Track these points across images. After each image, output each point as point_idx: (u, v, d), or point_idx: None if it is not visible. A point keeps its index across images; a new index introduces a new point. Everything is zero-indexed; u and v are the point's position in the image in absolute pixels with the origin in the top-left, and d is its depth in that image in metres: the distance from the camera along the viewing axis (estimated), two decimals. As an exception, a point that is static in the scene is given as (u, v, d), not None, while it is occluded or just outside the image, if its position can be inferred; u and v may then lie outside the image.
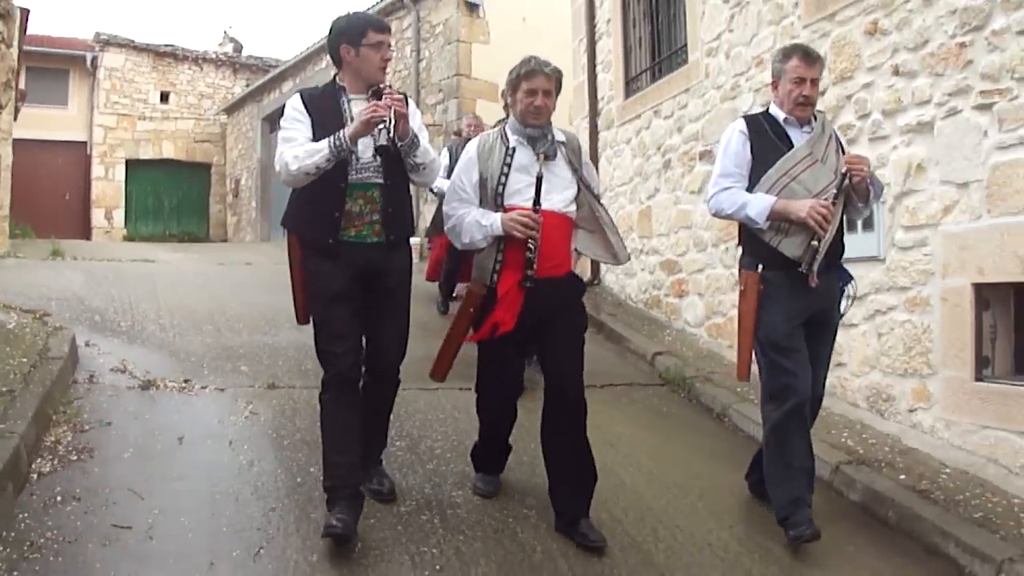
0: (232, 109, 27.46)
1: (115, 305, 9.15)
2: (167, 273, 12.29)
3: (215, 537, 4.30)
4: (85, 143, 26.54)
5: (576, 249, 4.87)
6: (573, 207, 4.74)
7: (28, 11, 7.58)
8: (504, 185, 4.62)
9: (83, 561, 3.95)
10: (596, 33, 11.70)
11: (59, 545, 4.04)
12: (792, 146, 4.80)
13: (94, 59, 26.43)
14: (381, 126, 4.31)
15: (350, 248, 4.51)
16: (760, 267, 4.81)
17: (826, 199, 4.64)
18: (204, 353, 7.57)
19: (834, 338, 5.13)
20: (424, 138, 4.68)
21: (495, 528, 4.74)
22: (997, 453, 5.33)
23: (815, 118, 4.89)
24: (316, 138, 4.44)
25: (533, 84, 4.62)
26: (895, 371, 6.21)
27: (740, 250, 5.10)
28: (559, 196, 4.66)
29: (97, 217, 26.39)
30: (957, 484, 5.29)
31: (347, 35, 4.56)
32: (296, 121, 4.54)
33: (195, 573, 3.96)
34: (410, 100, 4.72)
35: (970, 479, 5.34)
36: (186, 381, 6.66)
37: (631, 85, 10.87)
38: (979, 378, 5.57)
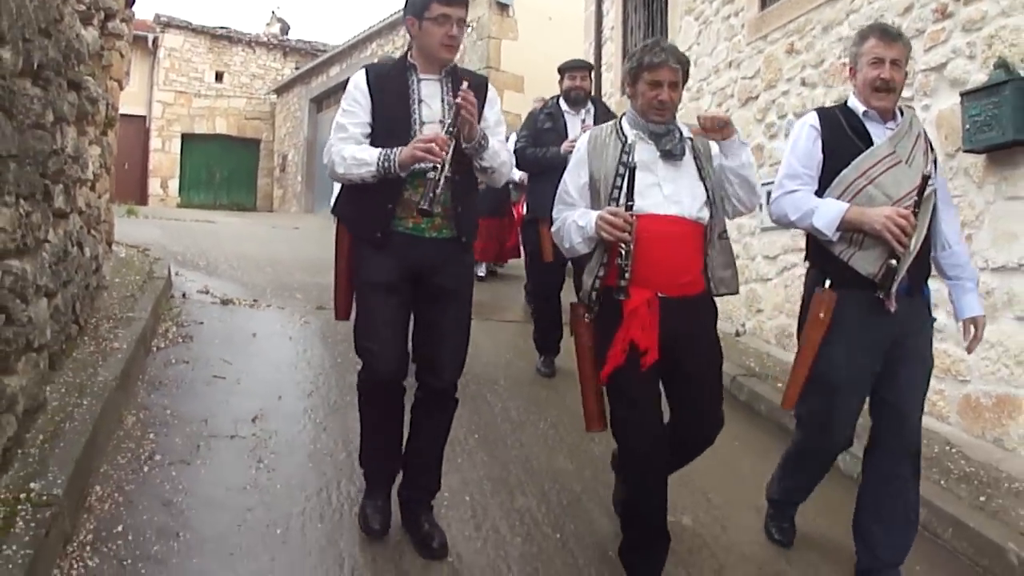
0: (282, 90, 29.24)
1: (191, 250, 11.36)
2: (228, 230, 14.59)
3: (281, 385, 6.34)
4: (144, 117, 28.34)
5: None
6: (706, 213, 4.03)
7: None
8: (620, 188, 3.90)
9: (194, 393, 5.99)
10: (602, 38, 13.60)
11: (177, 385, 6.08)
12: (872, 144, 4.08)
13: (155, 39, 28.21)
14: (436, 156, 3.79)
15: (404, 240, 4.02)
16: (828, 283, 4.06)
17: (907, 206, 3.92)
18: (266, 285, 9.73)
19: (926, 380, 4.22)
20: (499, 135, 4.25)
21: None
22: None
23: (901, 112, 4.20)
24: (376, 123, 4.07)
25: (658, 75, 3.96)
26: (794, 313, 8.11)
27: (807, 264, 4.44)
28: (688, 199, 3.98)
29: (153, 186, 28.25)
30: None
31: (413, 5, 4.05)
32: (355, 103, 4.10)
33: (269, 399, 5.99)
34: (490, 88, 4.35)
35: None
36: (255, 300, 8.84)
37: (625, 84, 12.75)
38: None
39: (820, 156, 4.16)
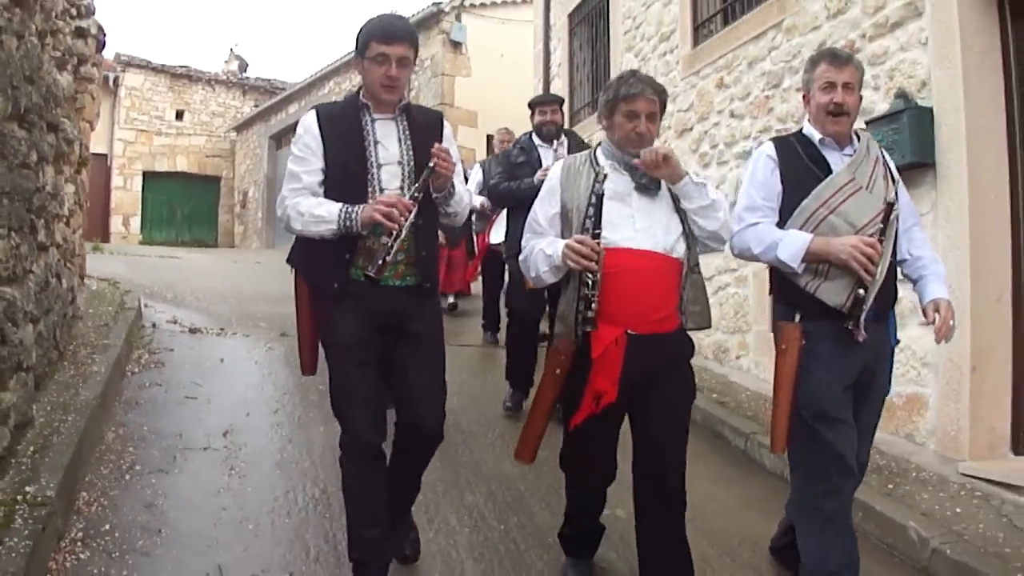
0: (241, 127, 29.77)
1: (158, 284, 11.80)
2: (191, 265, 15.05)
3: (249, 404, 6.79)
4: (106, 155, 28.52)
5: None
6: (682, 247, 3.91)
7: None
8: (593, 218, 3.78)
9: (168, 411, 6.43)
10: (550, 74, 14.21)
11: (152, 405, 6.52)
12: (830, 171, 4.01)
13: (116, 79, 28.45)
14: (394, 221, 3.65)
15: (364, 290, 3.82)
16: (797, 317, 3.97)
17: (871, 234, 3.88)
18: (231, 315, 10.19)
19: (882, 404, 4.25)
20: (458, 176, 4.06)
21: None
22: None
23: (858, 137, 4.15)
24: (330, 168, 3.88)
25: (634, 106, 3.89)
26: (728, 330, 8.68)
27: (771, 297, 4.31)
28: (660, 231, 3.86)
29: (115, 223, 28.46)
30: (748, 400, 7.66)
31: (358, 43, 3.94)
32: (306, 148, 3.90)
33: (238, 416, 6.44)
34: (446, 125, 4.22)
35: (759, 396, 7.71)
36: (221, 329, 9.31)
37: (575, 118, 13.35)
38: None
39: (779, 187, 4.06)
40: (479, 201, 8.51)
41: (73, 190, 7.52)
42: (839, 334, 3.89)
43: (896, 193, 4.07)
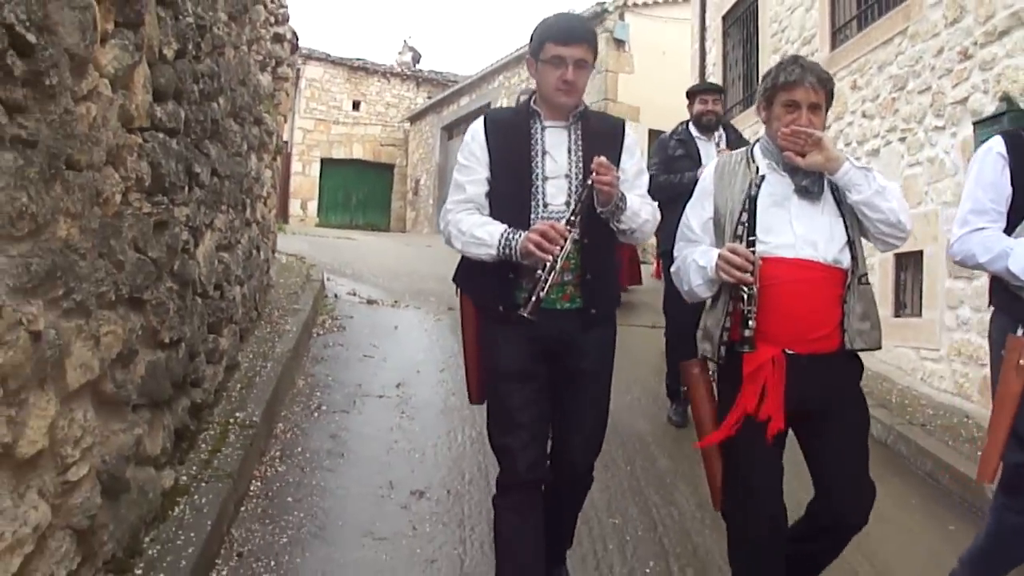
0: (415, 118, 31.00)
1: (337, 261, 12.97)
2: (367, 246, 16.32)
3: (418, 363, 7.82)
4: (287, 142, 30.27)
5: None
6: (846, 256, 3.43)
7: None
8: (746, 224, 3.39)
9: (349, 366, 7.49)
10: (706, 72, 14.89)
11: (335, 361, 7.60)
12: None
13: (297, 70, 30.06)
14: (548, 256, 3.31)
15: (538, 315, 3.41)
16: (1021, 331, 3.49)
17: None
18: (404, 290, 11.31)
19: None
20: (639, 188, 3.77)
21: None
22: (901, 361, 8.37)
23: None
24: (495, 178, 3.62)
25: (794, 95, 3.45)
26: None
27: (991, 308, 3.90)
28: (821, 239, 3.42)
29: (294, 206, 29.93)
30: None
31: (532, 44, 3.65)
32: (472, 156, 3.66)
33: (409, 373, 7.47)
34: (628, 133, 3.82)
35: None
36: (395, 302, 10.44)
37: (727, 115, 14.01)
38: (897, 315, 8.58)
39: (1009, 189, 3.61)
40: None
41: (270, 175, 8.66)
42: None
43: None
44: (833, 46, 10.23)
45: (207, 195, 5.13)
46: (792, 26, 11.38)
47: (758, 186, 3.40)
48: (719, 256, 3.36)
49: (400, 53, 33.22)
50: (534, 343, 3.51)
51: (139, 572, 3.53)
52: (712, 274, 3.41)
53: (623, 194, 3.51)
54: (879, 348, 3.56)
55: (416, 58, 33.26)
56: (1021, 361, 3.38)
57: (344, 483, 5.14)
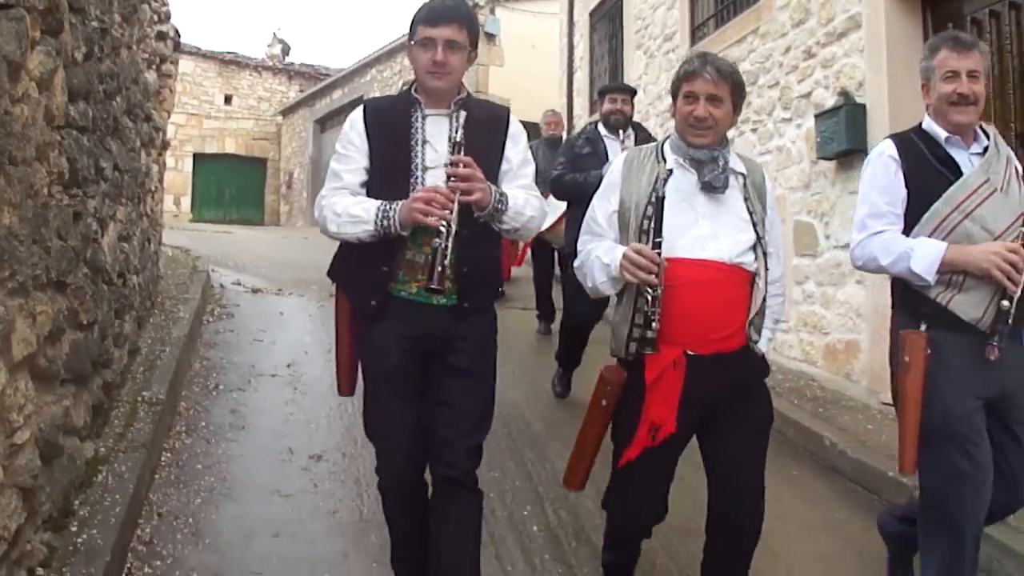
0: (287, 112, 31.13)
1: (218, 253, 13.28)
2: (245, 240, 16.61)
3: (306, 346, 8.26)
4: (170, 139, 29.97)
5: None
6: (750, 257, 3.45)
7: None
8: (651, 219, 3.37)
9: (241, 349, 7.90)
10: (573, 67, 15.54)
11: (227, 345, 7.99)
12: (959, 173, 3.65)
13: (170, 66, 29.98)
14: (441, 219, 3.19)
15: (407, 309, 3.43)
16: (923, 326, 3.60)
17: (1012, 240, 3.53)
18: (286, 279, 11.69)
19: None
20: (524, 178, 3.63)
21: None
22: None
23: (985, 134, 3.76)
24: (374, 167, 3.49)
25: (693, 87, 3.48)
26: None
27: (892, 308, 3.94)
28: (729, 241, 3.43)
29: (167, 202, 29.81)
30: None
31: (410, 27, 3.52)
32: (350, 145, 3.53)
33: (298, 354, 7.91)
34: (513, 121, 3.67)
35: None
36: (279, 290, 10.83)
37: (594, 107, 14.68)
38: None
39: (904, 191, 3.69)
40: None
41: (157, 170, 8.97)
42: (972, 348, 3.53)
43: None
44: (692, 43, 10.92)
45: (111, 188, 5.50)
46: (655, 23, 12.07)
47: (665, 181, 3.43)
48: (624, 256, 3.31)
49: (269, 45, 33.23)
50: (408, 340, 3.41)
51: (74, 529, 3.90)
52: (616, 273, 3.37)
53: (503, 194, 3.41)
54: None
55: (286, 50, 33.30)
56: (907, 358, 3.56)
57: (247, 451, 5.58)
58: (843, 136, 7.23)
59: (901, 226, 3.69)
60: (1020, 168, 3.75)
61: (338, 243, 3.60)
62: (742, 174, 3.57)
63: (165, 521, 4.50)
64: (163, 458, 5.26)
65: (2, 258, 3.17)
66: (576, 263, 3.71)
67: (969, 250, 3.49)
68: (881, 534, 4.21)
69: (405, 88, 3.62)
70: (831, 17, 7.81)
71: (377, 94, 24.44)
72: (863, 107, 7.23)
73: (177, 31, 10.15)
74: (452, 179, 3.25)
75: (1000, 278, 3.41)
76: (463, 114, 3.41)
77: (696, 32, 10.95)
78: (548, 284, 9.50)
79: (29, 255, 3.50)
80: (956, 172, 3.63)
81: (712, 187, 3.45)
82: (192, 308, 8.20)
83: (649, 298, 3.26)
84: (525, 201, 3.51)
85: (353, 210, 3.36)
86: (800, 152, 8.20)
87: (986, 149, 3.68)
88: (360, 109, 3.59)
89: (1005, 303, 3.45)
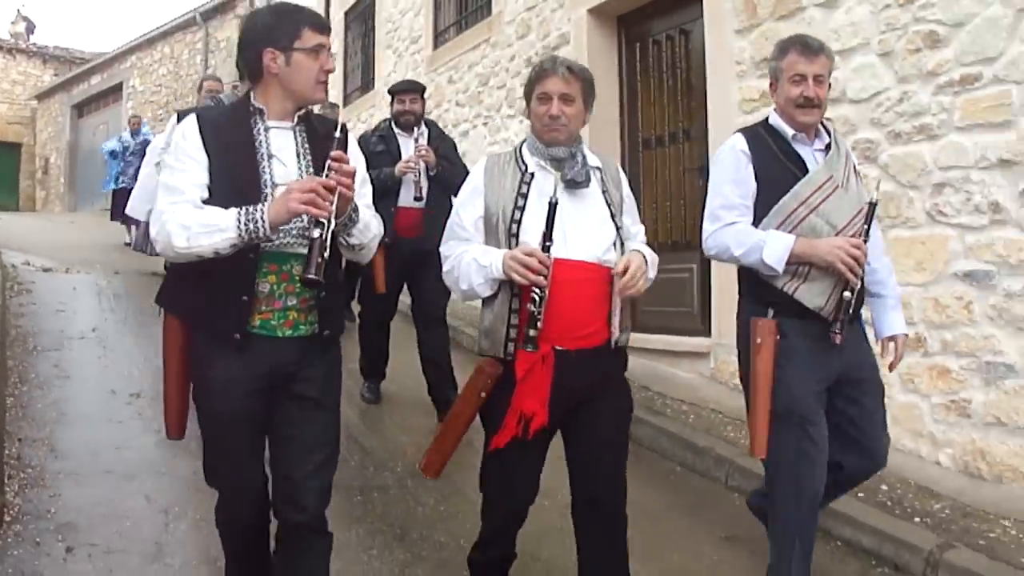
0: (43, 96, 31.01)
1: (-1, 237, 14.05)
2: (18, 224, 17.36)
3: (104, 313, 9.47)
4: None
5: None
6: (612, 255, 3.55)
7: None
8: (519, 221, 3.50)
9: (48, 318, 9.02)
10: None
11: (35, 315, 9.08)
12: (805, 168, 3.86)
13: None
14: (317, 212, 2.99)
15: (256, 345, 3.18)
16: (771, 313, 3.80)
17: (852, 234, 3.75)
18: (71, 259, 12.73)
19: (882, 398, 4.09)
20: (365, 197, 3.44)
21: None
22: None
23: (828, 132, 3.99)
24: (214, 184, 3.14)
25: (546, 87, 3.57)
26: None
27: (739, 294, 4.14)
28: (591, 238, 3.54)
29: (-85, 189, 29.52)
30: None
31: (273, 35, 3.17)
32: (187, 158, 3.16)
33: (99, 320, 9.10)
34: (351, 136, 3.44)
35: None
36: (67, 269, 11.92)
37: (348, 99, 16.21)
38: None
39: (754, 184, 3.87)
40: None
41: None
42: (816, 334, 3.77)
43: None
44: (435, 47, 12.64)
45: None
46: (403, 27, 13.70)
47: (528, 184, 3.57)
48: (510, 258, 3.36)
49: (13, 23, 32.64)
50: (257, 379, 3.17)
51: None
52: (496, 274, 3.41)
53: (356, 205, 3.25)
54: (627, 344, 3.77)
55: (30, 28, 32.91)
56: (758, 340, 3.74)
57: (77, 393, 6.83)
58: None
59: (751, 218, 3.87)
60: (856, 165, 4.07)
61: (174, 266, 3.33)
62: (597, 168, 3.72)
63: (26, 443, 5.72)
64: (8, 402, 6.41)
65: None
66: (445, 268, 3.71)
67: (816, 243, 3.70)
68: (752, 512, 4.44)
69: (239, 98, 3.43)
70: (547, 33, 9.59)
71: (137, 81, 25.22)
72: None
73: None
74: (332, 172, 3.05)
75: (843, 271, 3.65)
76: (341, 127, 3.23)
77: (439, 37, 12.66)
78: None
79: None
80: (802, 167, 3.86)
81: (576, 183, 3.58)
82: (-1, 283, 9.29)
83: (537, 299, 3.33)
84: (371, 217, 3.41)
85: (207, 219, 3.03)
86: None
87: (828, 147, 3.93)
88: (191, 121, 3.23)
89: (847, 294, 3.70)
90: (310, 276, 2.95)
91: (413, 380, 7.16)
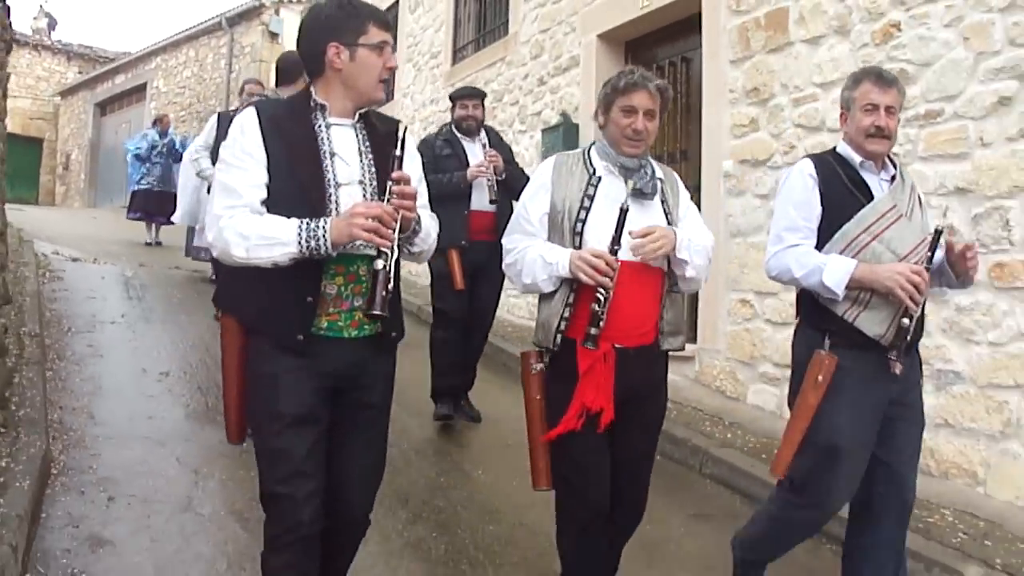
0: (66, 93, 31.55)
1: (27, 227, 14.65)
2: (42, 217, 18.18)
3: (132, 301, 10.09)
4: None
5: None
6: (665, 262, 3.65)
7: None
8: (584, 221, 3.57)
9: (80, 304, 9.63)
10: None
11: (67, 301, 9.69)
12: (871, 196, 3.86)
13: (-50, 45, 29.92)
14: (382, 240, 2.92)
15: (322, 346, 3.10)
16: (827, 344, 3.79)
17: (916, 262, 3.71)
18: (97, 251, 13.41)
19: (921, 433, 4.02)
20: (421, 198, 3.24)
21: None
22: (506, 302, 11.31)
23: (893, 164, 3.99)
24: (275, 182, 3.03)
25: (632, 101, 3.58)
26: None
27: (797, 318, 4.13)
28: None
29: (-63, 179, 29.97)
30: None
31: (338, 29, 3.06)
32: (245, 156, 3.03)
33: (128, 307, 9.72)
34: (408, 136, 3.17)
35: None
36: (95, 259, 12.60)
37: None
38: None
39: (819, 208, 3.87)
40: None
41: (-3, 152, 10.50)
42: (872, 366, 3.76)
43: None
44: (453, 62, 13.28)
45: None
46: (424, 42, 14.35)
47: (595, 187, 3.64)
48: (579, 258, 3.42)
49: (35, 18, 32.75)
50: (322, 379, 3.09)
51: (13, 408, 5.67)
52: (563, 272, 3.47)
53: (419, 215, 3.19)
54: (683, 349, 3.98)
55: (52, 24, 33.06)
56: (819, 378, 3.69)
57: (111, 369, 7.43)
58: (561, 147, 9.44)
59: (815, 241, 3.85)
60: (922, 197, 4.01)
61: (230, 266, 3.09)
62: (660, 179, 3.76)
63: (67, 411, 6.32)
64: (48, 374, 7.02)
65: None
66: (507, 260, 3.75)
67: (877, 269, 3.66)
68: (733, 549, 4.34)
69: (300, 92, 3.28)
70: (559, 55, 10.20)
71: (161, 83, 25.81)
72: (577, 126, 9.69)
73: (8, 6, 11.58)
74: (394, 196, 2.98)
75: (903, 297, 3.58)
76: (402, 127, 3.18)
77: (457, 54, 13.31)
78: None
79: None
80: (868, 195, 3.85)
81: (643, 193, 3.63)
82: (32, 270, 9.91)
83: (601, 298, 3.40)
84: (430, 222, 3.35)
85: (267, 231, 2.93)
86: (531, 157, 10.52)
87: (894, 177, 3.92)
88: (250, 114, 3.11)
89: (905, 321, 3.65)
90: (375, 312, 2.92)
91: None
